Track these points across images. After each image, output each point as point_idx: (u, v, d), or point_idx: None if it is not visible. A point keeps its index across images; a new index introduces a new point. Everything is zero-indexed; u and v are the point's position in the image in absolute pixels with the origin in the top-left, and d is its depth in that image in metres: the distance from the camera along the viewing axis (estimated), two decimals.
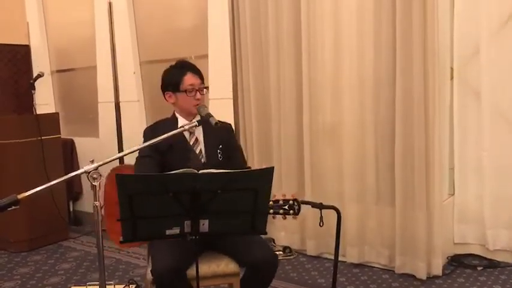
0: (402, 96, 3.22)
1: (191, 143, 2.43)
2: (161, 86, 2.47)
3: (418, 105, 3.16)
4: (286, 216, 2.16)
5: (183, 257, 2.14)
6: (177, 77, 2.40)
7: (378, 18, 3.31)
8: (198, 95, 2.38)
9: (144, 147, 2.22)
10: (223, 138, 2.47)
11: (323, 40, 3.55)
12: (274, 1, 3.69)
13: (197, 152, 2.42)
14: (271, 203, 2.13)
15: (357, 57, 3.44)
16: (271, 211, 2.13)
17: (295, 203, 2.13)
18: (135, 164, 2.40)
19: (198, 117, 2.31)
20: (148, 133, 2.41)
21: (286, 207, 2.12)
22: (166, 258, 2.14)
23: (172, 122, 2.44)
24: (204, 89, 2.43)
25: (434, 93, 3.13)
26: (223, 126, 2.47)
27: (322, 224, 2.17)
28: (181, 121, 2.43)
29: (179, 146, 2.39)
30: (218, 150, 2.43)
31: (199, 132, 2.45)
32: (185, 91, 2.38)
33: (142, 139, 2.40)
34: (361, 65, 3.43)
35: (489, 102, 3.39)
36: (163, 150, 2.36)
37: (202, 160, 2.41)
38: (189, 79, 2.39)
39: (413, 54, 3.14)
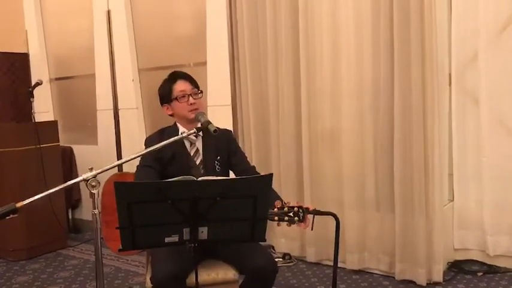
0: (401, 102, 3.23)
1: (192, 154, 2.43)
2: (159, 101, 2.49)
3: (416, 112, 3.16)
4: (291, 224, 2.15)
5: (182, 265, 2.13)
6: (168, 87, 2.43)
7: (376, 25, 3.32)
8: (191, 100, 2.39)
9: (146, 156, 2.21)
10: (222, 147, 2.46)
11: (321, 47, 3.56)
12: (272, 8, 3.71)
13: (197, 162, 2.42)
14: (275, 210, 2.12)
15: (355, 63, 3.45)
16: (276, 218, 2.12)
17: (300, 210, 2.13)
18: (135, 172, 2.40)
19: (199, 125, 2.31)
20: (150, 142, 2.39)
21: (291, 214, 2.12)
22: (166, 266, 2.13)
23: (173, 130, 2.44)
24: (199, 94, 2.43)
25: (433, 99, 3.14)
26: (223, 134, 2.47)
27: (312, 229, 2.16)
28: (182, 130, 2.42)
29: (180, 157, 2.39)
30: (216, 162, 2.43)
31: (199, 143, 2.45)
32: (177, 98, 2.39)
33: (144, 147, 2.39)
34: (359, 72, 3.44)
35: (488, 108, 3.39)
36: (165, 161, 2.36)
37: (202, 171, 2.40)
38: (179, 86, 2.41)
39: (411, 61, 3.15)
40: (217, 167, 2.43)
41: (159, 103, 2.50)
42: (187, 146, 2.43)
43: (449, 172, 3.60)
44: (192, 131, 2.16)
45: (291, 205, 2.14)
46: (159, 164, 2.36)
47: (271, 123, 3.82)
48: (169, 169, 2.36)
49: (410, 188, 3.24)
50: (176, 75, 2.46)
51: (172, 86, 2.41)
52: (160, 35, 4.70)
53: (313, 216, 2.18)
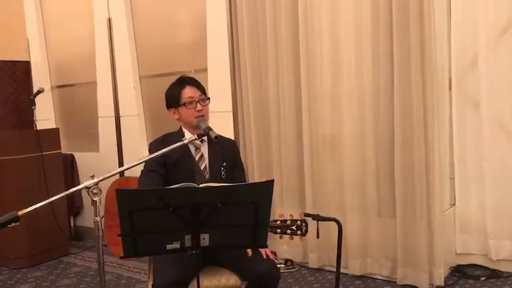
0: (401, 107, 3.23)
1: (196, 159, 2.43)
2: (165, 104, 2.49)
3: (417, 116, 3.17)
4: (294, 236, 2.15)
5: (184, 271, 2.14)
6: (176, 92, 2.43)
7: (376, 30, 3.33)
8: (199, 106, 2.39)
9: (150, 161, 2.21)
10: (228, 156, 2.48)
11: (321, 53, 3.57)
12: (272, 15, 3.72)
13: (202, 168, 2.43)
14: (278, 222, 2.12)
15: (356, 68, 3.46)
16: (279, 231, 2.12)
17: (303, 224, 2.12)
18: (139, 177, 2.40)
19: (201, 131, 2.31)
20: (155, 147, 2.39)
21: (293, 227, 2.11)
22: (168, 272, 2.13)
23: (178, 136, 2.43)
24: (206, 100, 2.44)
25: (433, 103, 3.14)
26: (228, 143, 2.48)
27: (318, 236, 2.16)
28: (188, 135, 2.42)
29: (185, 162, 2.39)
30: (222, 168, 2.43)
31: (204, 149, 2.46)
32: (184, 104, 2.39)
33: (148, 152, 2.40)
34: (359, 77, 3.45)
35: (488, 112, 3.40)
36: (170, 165, 2.36)
37: (207, 176, 2.41)
38: (187, 92, 2.41)
39: (411, 65, 3.16)
40: (223, 173, 2.43)
41: (165, 107, 2.49)
42: (192, 151, 2.43)
43: (450, 176, 3.60)
44: (193, 137, 2.16)
45: (294, 218, 2.13)
46: (164, 168, 2.36)
47: (272, 129, 3.83)
48: (173, 173, 2.36)
49: (411, 193, 3.24)
50: (185, 81, 2.46)
51: (181, 91, 2.41)
52: (161, 42, 4.71)
53: (317, 223, 2.18)
